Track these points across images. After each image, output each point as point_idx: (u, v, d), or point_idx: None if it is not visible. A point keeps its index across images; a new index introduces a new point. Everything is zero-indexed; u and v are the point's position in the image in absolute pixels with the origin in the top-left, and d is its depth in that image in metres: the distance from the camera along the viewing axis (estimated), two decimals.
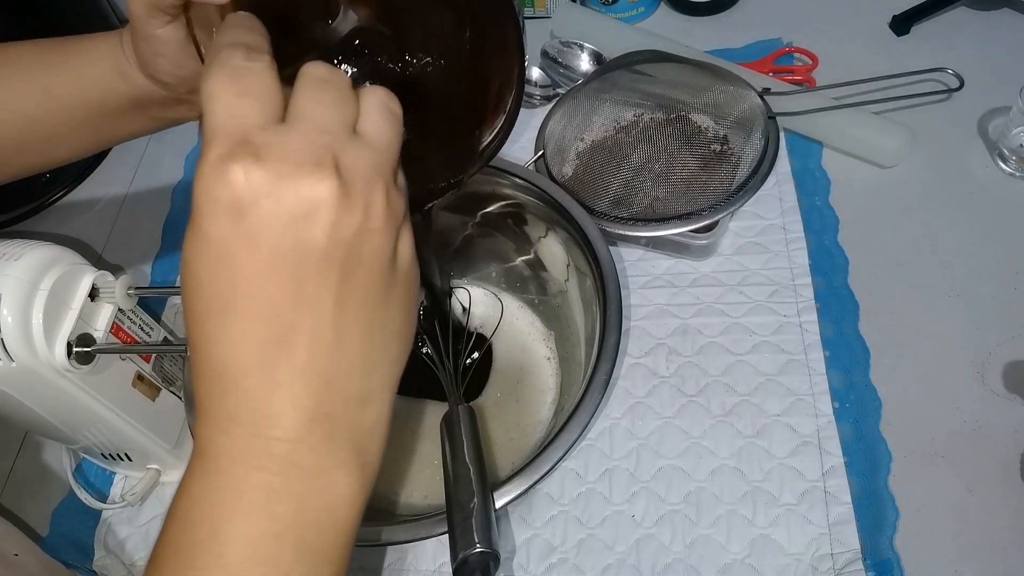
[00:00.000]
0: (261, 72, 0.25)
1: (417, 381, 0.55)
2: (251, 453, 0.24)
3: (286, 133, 0.24)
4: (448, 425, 0.45)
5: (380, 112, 0.26)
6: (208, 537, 0.24)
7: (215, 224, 0.23)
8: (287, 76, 0.26)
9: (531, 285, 0.58)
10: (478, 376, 0.55)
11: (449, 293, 0.53)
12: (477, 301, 0.58)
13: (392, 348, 0.27)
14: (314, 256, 0.24)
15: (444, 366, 0.51)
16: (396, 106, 0.27)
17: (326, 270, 0.24)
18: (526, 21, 0.76)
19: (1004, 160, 0.57)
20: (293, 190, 0.23)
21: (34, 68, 0.41)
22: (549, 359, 0.55)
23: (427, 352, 0.53)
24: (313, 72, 0.26)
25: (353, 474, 0.26)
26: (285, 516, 0.25)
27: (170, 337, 0.54)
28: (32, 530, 0.53)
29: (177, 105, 0.41)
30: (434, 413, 0.54)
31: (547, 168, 0.58)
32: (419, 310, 0.34)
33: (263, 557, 0.24)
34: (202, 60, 0.35)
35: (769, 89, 0.59)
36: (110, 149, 0.75)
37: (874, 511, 0.45)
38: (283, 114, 0.25)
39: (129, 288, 0.47)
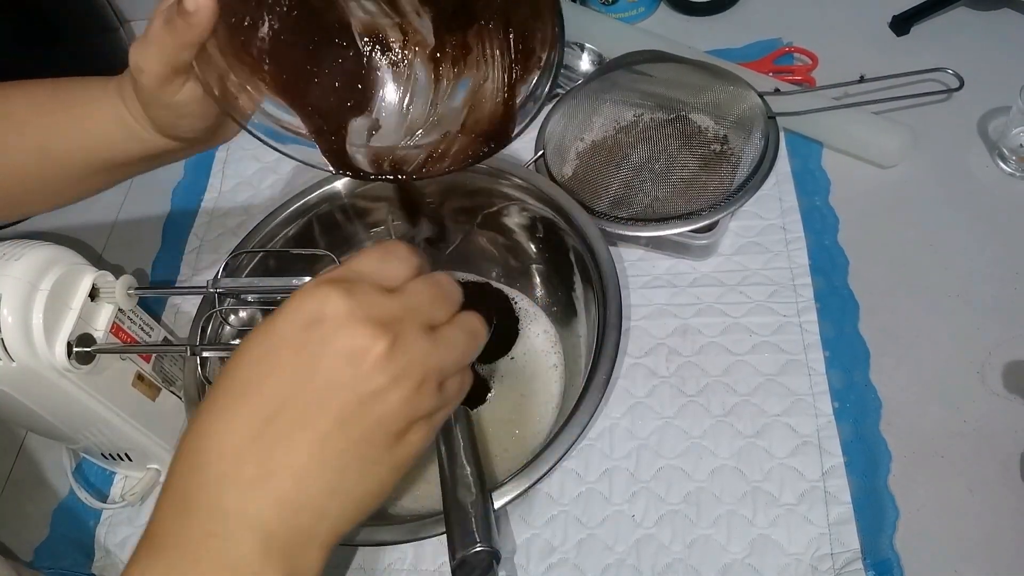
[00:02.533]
0: (403, 259, 0.30)
1: None
2: (189, 544, 0.26)
3: (382, 296, 0.28)
4: (444, 425, 0.45)
5: (465, 330, 0.30)
6: None
7: (285, 325, 0.27)
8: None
9: (531, 285, 0.58)
10: (479, 377, 0.55)
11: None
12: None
13: (351, 505, 0.28)
14: (335, 390, 0.27)
15: None
16: (482, 332, 0.31)
17: (336, 406, 0.27)
18: None
19: (1004, 160, 0.57)
20: (354, 330, 0.27)
21: (29, 126, 0.40)
22: (556, 366, 0.54)
23: None
24: (435, 277, 0.30)
25: None
26: None
27: (170, 337, 0.54)
28: (15, 554, 0.53)
29: (195, 147, 0.41)
30: None
31: (547, 168, 0.58)
32: None
33: None
34: (216, 101, 0.35)
35: (779, 89, 0.59)
36: None
37: (874, 511, 0.45)
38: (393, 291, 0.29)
39: (129, 288, 0.47)
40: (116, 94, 0.39)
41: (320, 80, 0.38)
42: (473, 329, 0.31)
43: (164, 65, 0.35)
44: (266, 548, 0.26)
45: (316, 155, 0.38)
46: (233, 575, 0.26)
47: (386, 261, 0.29)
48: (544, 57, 0.36)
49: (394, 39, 0.40)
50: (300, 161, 0.37)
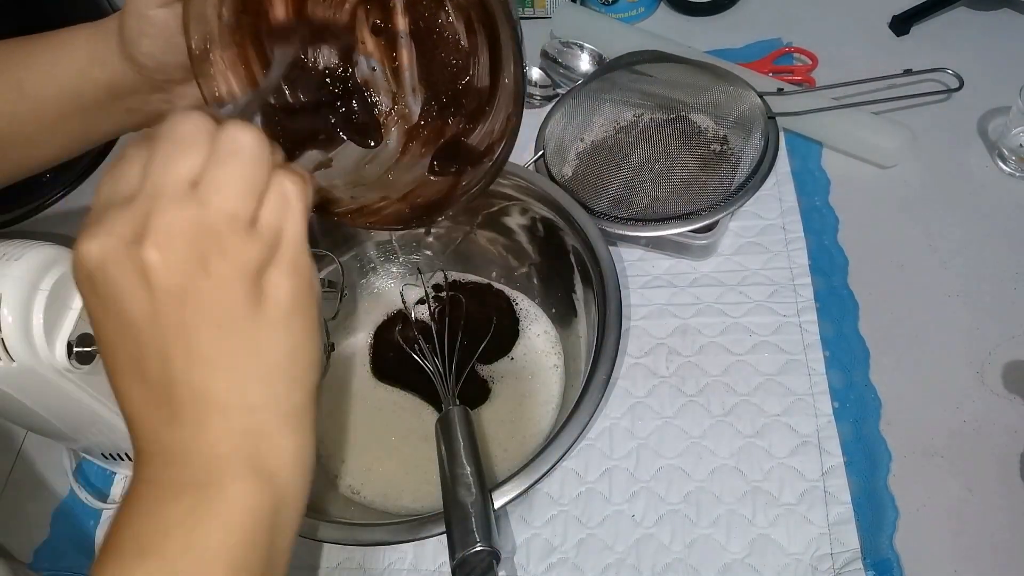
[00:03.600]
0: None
1: (404, 382, 0.55)
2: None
3: (116, 209, 0.26)
4: (444, 425, 0.45)
5: (223, 155, 0.26)
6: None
7: (81, 288, 0.27)
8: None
9: (531, 285, 0.58)
10: (480, 377, 0.55)
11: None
12: (483, 298, 0.58)
13: (278, 379, 0.28)
14: (167, 310, 0.25)
15: (437, 368, 0.51)
16: (244, 138, 0.26)
17: (169, 320, 0.26)
18: (526, 21, 0.76)
19: (1004, 160, 0.57)
20: (119, 264, 0.25)
21: (6, 64, 0.40)
22: (556, 366, 0.55)
23: (417, 348, 0.53)
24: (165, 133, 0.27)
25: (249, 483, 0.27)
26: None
27: None
28: (12, 555, 0.53)
29: (152, 93, 0.41)
30: (419, 417, 0.54)
31: (547, 168, 0.58)
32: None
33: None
34: (188, 51, 0.35)
35: (782, 89, 0.60)
36: (109, 149, 0.75)
37: (874, 511, 0.45)
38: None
39: None
40: (92, 28, 0.40)
41: (300, 104, 0.39)
42: (233, 148, 0.26)
43: None
44: (242, 470, 0.27)
45: None
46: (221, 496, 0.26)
47: (114, 171, 0.27)
48: (493, 160, 0.36)
49: (383, 103, 0.41)
50: None
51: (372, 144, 0.40)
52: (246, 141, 0.26)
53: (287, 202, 0.27)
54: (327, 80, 0.39)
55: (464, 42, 0.37)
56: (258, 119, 0.38)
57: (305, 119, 0.39)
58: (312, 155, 0.40)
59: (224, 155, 0.26)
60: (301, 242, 0.28)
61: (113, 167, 0.27)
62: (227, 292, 0.26)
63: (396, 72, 0.40)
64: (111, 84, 0.40)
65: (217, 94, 0.37)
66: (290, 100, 0.39)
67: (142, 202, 0.25)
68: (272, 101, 0.38)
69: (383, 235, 0.59)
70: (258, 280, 0.27)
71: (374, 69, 0.40)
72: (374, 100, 0.41)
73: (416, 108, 0.40)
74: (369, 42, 0.39)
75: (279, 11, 0.37)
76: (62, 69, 0.40)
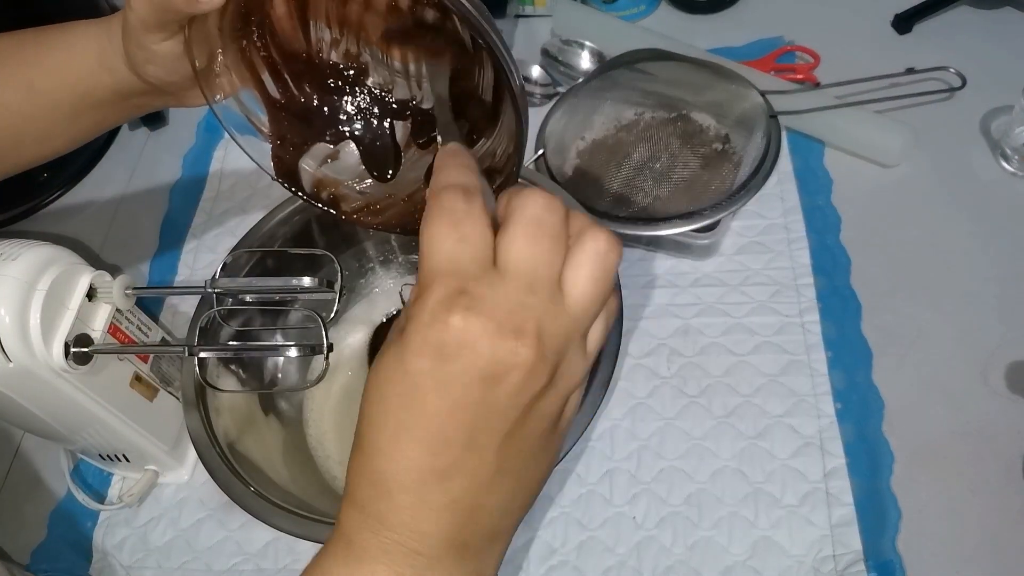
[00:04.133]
0: (477, 217, 0.26)
1: None
2: (394, 558, 0.26)
3: (497, 287, 0.25)
4: None
5: (592, 267, 0.26)
6: None
7: (418, 360, 0.25)
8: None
9: None
10: None
11: None
12: None
13: (530, 495, 0.29)
14: (494, 412, 0.26)
15: None
16: (615, 254, 0.27)
17: (500, 424, 0.26)
18: (526, 19, 0.76)
19: (1007, 159, 0.57)
20: (492, 350, 0.24)
21: (15, 63, 0.41)
22: None
23: None
24: (530, 211, 0.26)
25: None
26: None
27: (168, 337, 0.54)
28: (9, 556, 0.53)
29: (160, 96, 0.41)
30: None
31: (547, 167, 0.58)
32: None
33: None
34: (194, 70, 0.35)
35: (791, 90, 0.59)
36: (108, 149, 0.75)
37: (876, 512, 0.45)
38: (493, 254, 0.26)
39: (127, 288, 0.46)
40: (101, 27, 0.40)
41: (309, 99, 0.39)
42: (600, 257, 0.26)
43: (152, 16, 0.34)
44: (461, 555, 0.27)
45: (265, 157, 0.38)
46: None
47: (467, 239, 0.25)
48: (504, 173, 0.36)
49: (387, 96, 0.40)
50: (247, 155, 0.37)
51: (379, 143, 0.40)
52: (604, 248, 0.26)
53: (609, 327, 0.28)
54: (333, 74, 0.39)
55: (470, 45, 0.36)
56: (264, 116, 0.38)
57: (311, 111, 0.39)
58: (320, 148, 0.39)
59: (588, 261, 0.26)
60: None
61: (454, 222, 0.26)
62: (557, 406, 0.27)
63: (401, 65, 0.40)
64: (120, 87, 0.41)
65: (219, 97, 0.37)
66: (296, 94, 0.38)
67: (519, 291, 0.25)
68: (278, 95, 0.38)
69: (382, 235, 0.58)
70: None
71: (380, 62, 0.39)
72: (380, 94, 0.40)
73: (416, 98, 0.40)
74: (373, 34, 0.39)
75: (280, 11, 0.36)
76: (72, 70, 0.40)
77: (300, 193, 0.39)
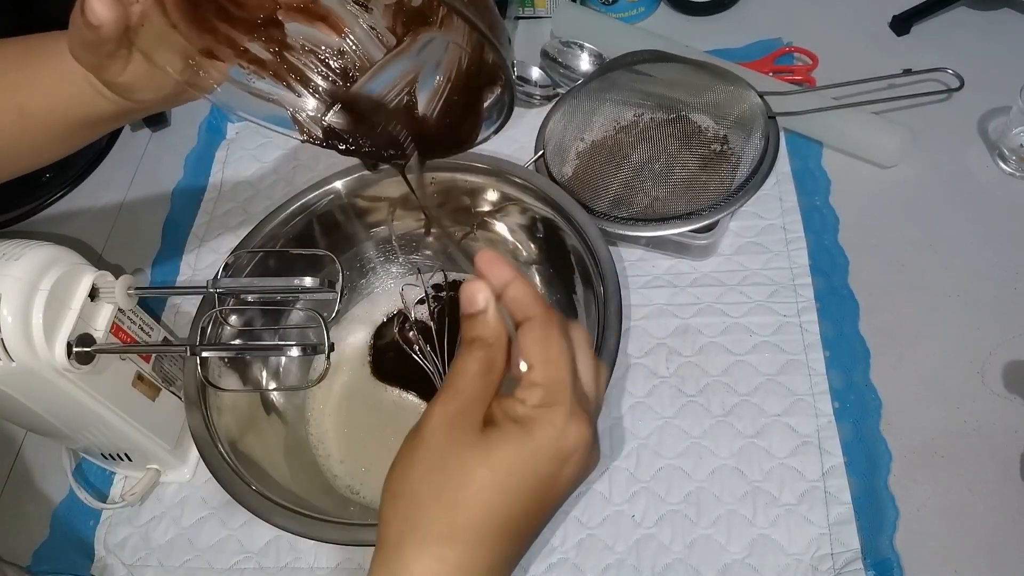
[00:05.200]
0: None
1: (404, 382, 0.55)
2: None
3: (579, 389, 0.29)
4: None
5: (592, 368, 0.31)
6: None
7: (549, 465, 0.28)
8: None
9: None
10: None
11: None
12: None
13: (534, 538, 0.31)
14: (556, 489, 0.29)
15: (437, 368, 0.51)
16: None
17: (558, 500, 0.30)
18: (526, 21, 0.76)
19: (1004, 160, 0.57)
20: (590, 453, 0.29)
21: (3, 85, 0.40)
22: None
23: (417, 348, 0.53)
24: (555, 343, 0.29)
25: None
26: None
27: (170, 337, 0.54)
28: (14, 564, 0.53)
29: (158, 105, 0.41)
30: (419, 417, 0.53)
31: (547, 168, 0.58)
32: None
33: None
34: (177, 76, 0.34)
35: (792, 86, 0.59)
36: (110, 150, 0.75)
37: (874, 511, 0.45)
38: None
39: (129, 288, 0.47)
40: None
41: (296, 42, 0.37)
42: (594, 364, 0.32)
43: (93, 57, 0.34)
44: None
45: (284, 119, 0.36)
46: None
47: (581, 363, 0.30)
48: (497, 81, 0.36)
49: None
50: (263, 125, 0.36)
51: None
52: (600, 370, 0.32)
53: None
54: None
55: None
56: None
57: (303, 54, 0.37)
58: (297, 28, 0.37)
59: (600, 375, 0.31)
60: None
61: (570, 348, 0.29)
62: (576, 485, 0.30)
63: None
64: (117, 112, 0.40)
65: (214, 83, 0.35)
66: (282, 42, 0.37)
67: (591, 402, 0.30)
68: (269, 55, 0.36)
69: (383, 234, 0.59)
70: None
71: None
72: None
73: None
74: None
75: None
76: (65, 97, 0.40)
77: (335, 144, 0.37)
